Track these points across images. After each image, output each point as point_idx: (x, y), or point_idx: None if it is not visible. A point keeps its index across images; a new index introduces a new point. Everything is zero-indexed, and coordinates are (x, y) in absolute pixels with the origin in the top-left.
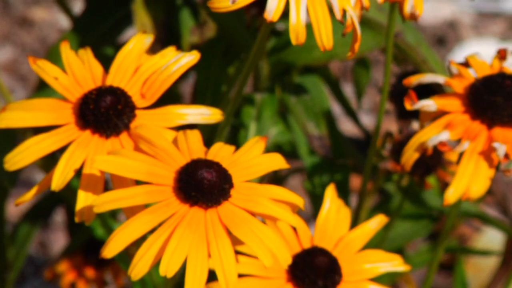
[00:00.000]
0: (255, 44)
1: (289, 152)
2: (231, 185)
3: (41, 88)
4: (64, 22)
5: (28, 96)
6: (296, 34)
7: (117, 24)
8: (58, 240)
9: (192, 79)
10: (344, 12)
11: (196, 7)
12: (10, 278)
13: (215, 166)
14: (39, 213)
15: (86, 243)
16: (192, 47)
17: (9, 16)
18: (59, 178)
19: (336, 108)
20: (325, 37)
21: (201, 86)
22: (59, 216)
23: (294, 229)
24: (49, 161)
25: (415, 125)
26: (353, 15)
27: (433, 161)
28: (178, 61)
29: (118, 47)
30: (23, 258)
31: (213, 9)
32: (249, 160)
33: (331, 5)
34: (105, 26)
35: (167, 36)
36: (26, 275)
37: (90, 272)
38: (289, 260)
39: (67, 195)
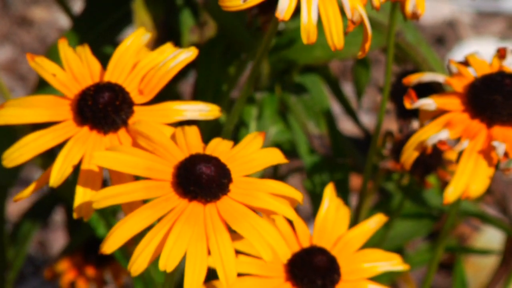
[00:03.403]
0: (261, 44)
1: (289, 151)
2: (229, 180)
3: (40, 88)
4: (63, 21)
5: (27, 96)
6: (308, 33)
7: (117, 23)
8: (58, 240)
9: (192, 79)
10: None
11: (196, 7)
12: (9, 277)
13: (214, 161)
14: (39, 213)
15: (85, 242)
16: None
17: (9, 16)
18: (57, 174)
19: (336, 108)
20: (336, 37)
21: (201, 85)
22: (58, 216)
23: (293, 228)
24: (49, 160)
25: (415, 124)
26: (364, 14)
27: (433, 160)
28: (176, 57)
29: (117, 46)
30: (23, 258)
31: (224, 7)
32: (247, 155)
33: (342, 4)
34: (104, 25)
35: (167, 36)
36: (26, 274)
37: (90, 271)
38: (288, 255)
39: (67, 195)
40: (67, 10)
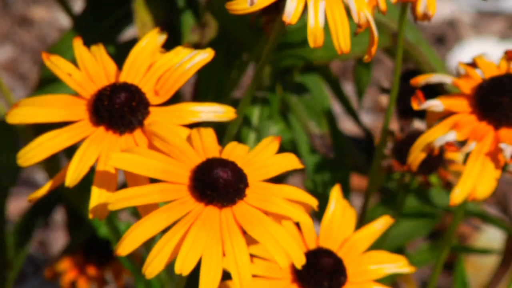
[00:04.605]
0: (266, 46)
1: (290, 151)
2: (246, 185)
3: (41, 87)
4: (64, 21)
5: (27, 95)
6: (314, 37)
7: (117, 23)
8: (58, 239)
9: (192, 78)
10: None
11: (198, 7)
12: (10, 277)
13: (231, 165)
14: (39, 212)
15: (86, 242)
16: (193, 46)
17: (9, 15)
18: (73, 174)
19: (337, 107)
20: (342, 40)
21: (203, 85)
22: (59, 215)
23: (299, 229)
24: (50, 162)
25: (416, 124)
26: (370, 19)
27: (435, 160)
28: (192, 59)
29: (118, 45)
30: (23, 257)
31: (231, 11)
32: (263, 160)
33: (348, 8)
34: (105, 24)
35: (167, 35)
36: (26, 274)
37: (91, 271)
38: (303, 261)
39: (68, 194)
40: (67, 9)
